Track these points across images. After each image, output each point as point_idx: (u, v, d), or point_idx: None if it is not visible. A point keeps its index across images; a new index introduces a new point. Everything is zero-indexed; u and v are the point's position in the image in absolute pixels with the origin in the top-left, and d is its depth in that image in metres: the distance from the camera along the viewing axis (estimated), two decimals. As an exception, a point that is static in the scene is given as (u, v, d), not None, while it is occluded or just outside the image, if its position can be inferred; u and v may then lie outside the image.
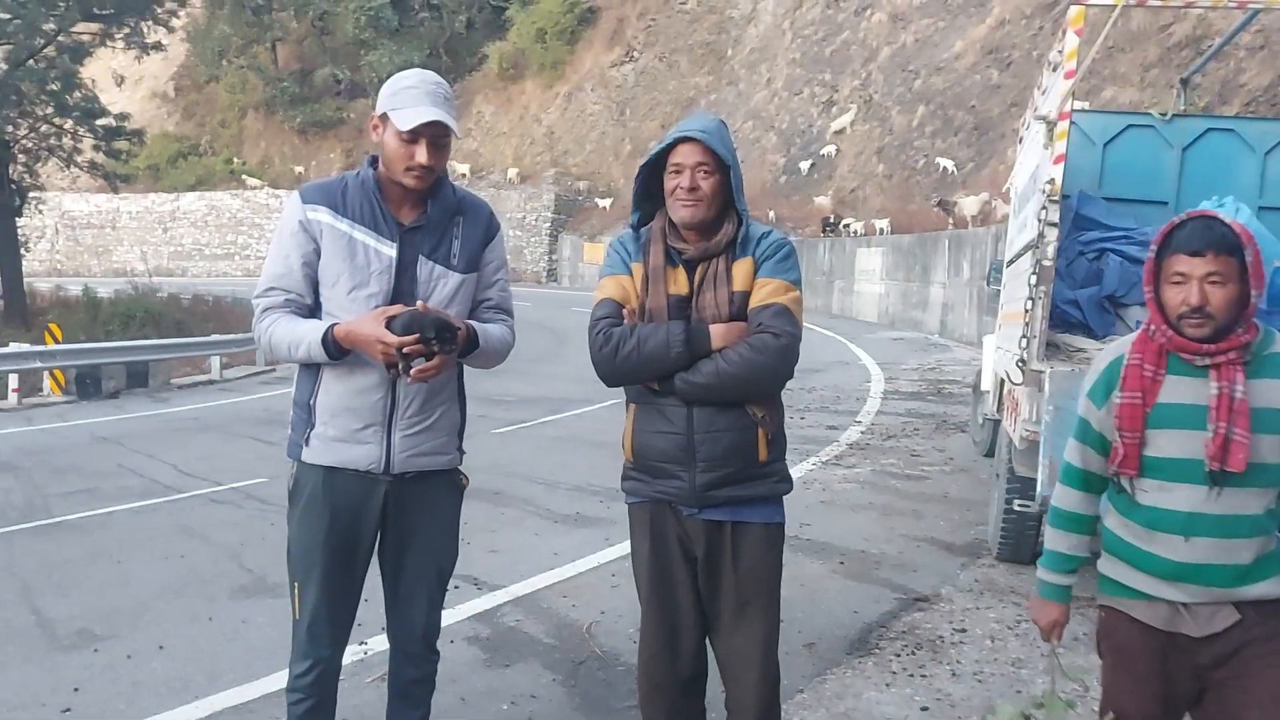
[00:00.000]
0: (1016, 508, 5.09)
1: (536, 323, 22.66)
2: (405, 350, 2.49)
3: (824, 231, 30.41)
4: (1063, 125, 4.83)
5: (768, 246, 2.67)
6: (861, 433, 10.20)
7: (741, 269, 2.64)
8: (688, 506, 2.67)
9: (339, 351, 2.59)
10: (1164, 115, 7.00)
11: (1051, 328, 5.37)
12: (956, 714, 3.86)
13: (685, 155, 2.61)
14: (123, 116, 25.40)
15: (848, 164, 33.25)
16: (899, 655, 4.43)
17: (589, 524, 6.65)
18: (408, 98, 2.58)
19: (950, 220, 23.41)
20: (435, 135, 2.60)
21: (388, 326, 2.50)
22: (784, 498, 2.76)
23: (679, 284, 2.66)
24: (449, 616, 4.77)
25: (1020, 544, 5.65)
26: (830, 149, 34.01)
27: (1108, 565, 2.41)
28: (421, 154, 2.58)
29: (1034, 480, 4.69)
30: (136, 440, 10.12)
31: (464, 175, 43.47)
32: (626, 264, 2.72)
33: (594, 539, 6.24)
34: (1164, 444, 2.26)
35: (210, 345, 16.53)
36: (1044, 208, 4.83)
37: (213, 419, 11.85)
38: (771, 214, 31.27)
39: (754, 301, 2.61)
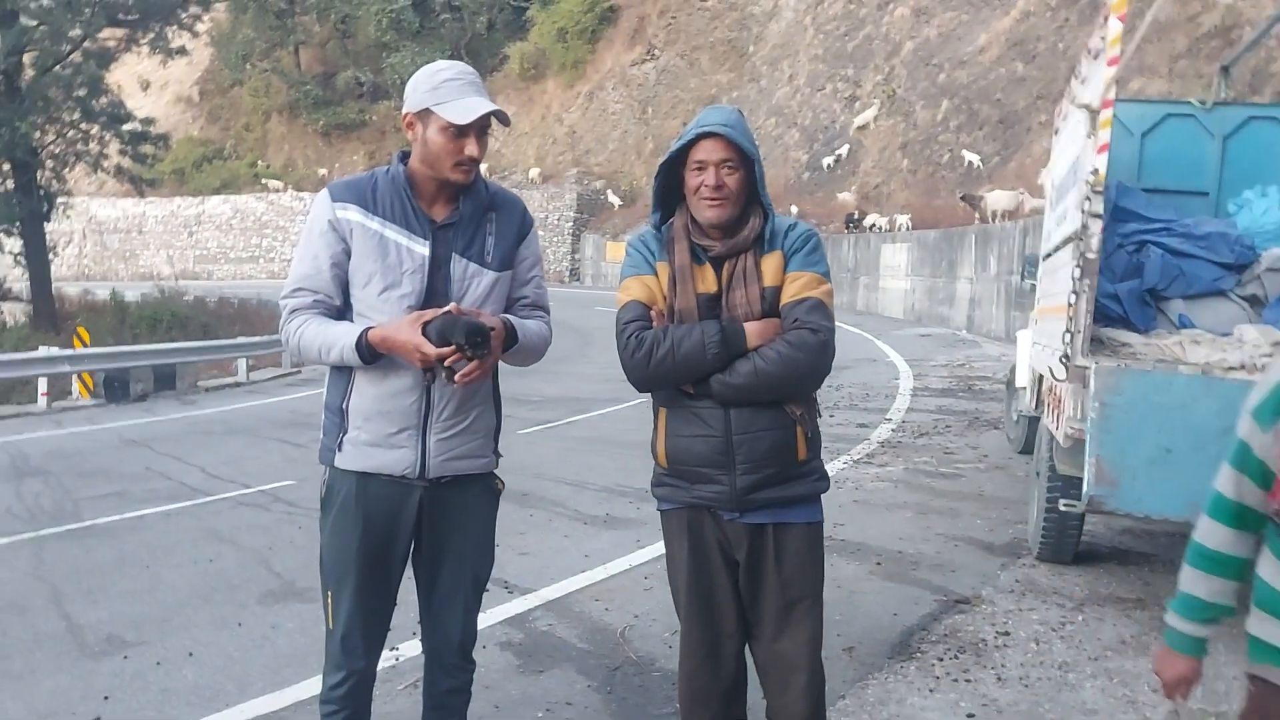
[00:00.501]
0: (1061, 507, 4.95)
1: (560, 322, 22.43)
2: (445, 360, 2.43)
3: (847, 228, 30.22)
4: (1106, 113, 4.70)
5: (795, 239, 2.58)
6: (893, 430, 10.07)
7: (770, 264, 2.55)
8: (728, 511, 2.58)
9: (373, 356, 2.51)
10: (1204, 104, 6.85)
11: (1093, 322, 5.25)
12: (1004, 721, 3.75)
13: (708, 151, 2.51)
14: (148, 121, 25.58)
15: (871, 159, 33.03)
16: (941, 659, 4.31)
17: (619, 525, 6.56)
18: (452, 90, 2.50)
19: (976, 215, 23.18)
20: (482, 126, 2.53)
21: (423, 332, 2.43)
22: (821, 495, 2.67)
23: (707, 282, 2.57)
24: (480, 621, 4.70)
25: (1061, 544, 5.52)
26: (853, 145, 33.79)
27: (1259, 624, 1.99)
28: (472, 147, 2.52)
29: (1078, 479, 4.56)
30: (164, 443, 10.13)
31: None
32: (650, 263, 2.63)
33: (625, 541, 6.15)
34: None
35: (237, 348, 16.56)
36: (1087, 199, 4.70)
37: (240, 421, 11.86)
38: (795, 210, 31.11)
39: (786, 296, 2.52)
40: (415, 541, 2.73)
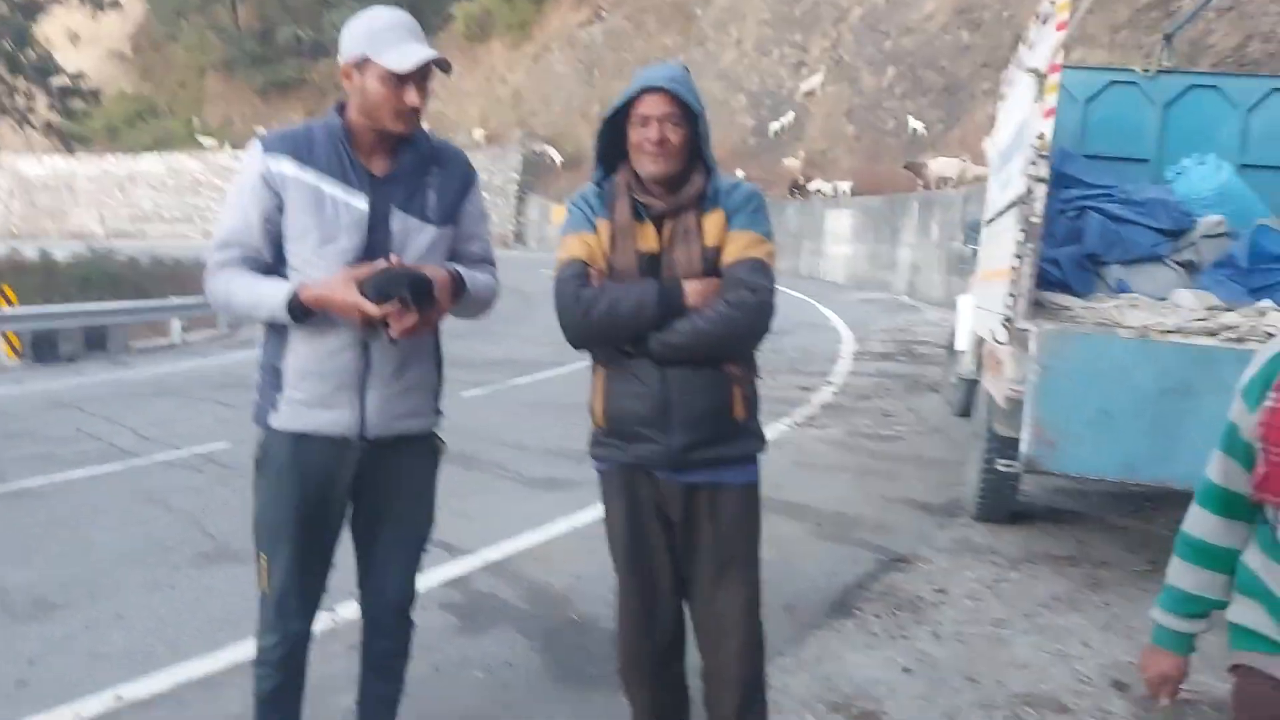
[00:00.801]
0: (999, 468, 5.02)
1: (504, 285, 22.32)
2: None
3: (792, 193, 30.30)
4: (1053, 78, 4.72)
5: (738, 198, 2.54)
6: (834, 393, 10.15)
7: (712, 222, 2.51)
8: (664, 470, 2.55)
9: (304, 315, 2.43)
10: (1147, 72, 6.92)
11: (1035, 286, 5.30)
12: (939, 675, 3.80)
13: (652, 106, 2.46)
14: (78, 76, 24.76)
15: (818, 125, 33.08)
16: (879, 617, 4.36)
17: (562, 487, 6.53)
18: (390, 37, 2.41)
19: (920, 182, 23.36)
20: (423, 75, 2.45)
21: (361, 290, 2.35)
22: (759, 456, 2.66)
23: (648, 240, 2.53)
24: (420, 583, 4.64)
25: (998, 503, 5.60)
26: (799, 110, 33.82)
27: (1240, 610, 1.88)
28: (412, 96, 2.43)
29: (1015, 440, 4.62)
30: (94, 404, 9.86)
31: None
32: (590, 220, 2.58)
33: (567, 502, 6.11)
34: None
35: (170, 308, 16.16)
36: (1033, 163, 4.73)
37: (173, 383, 11.59)
38: (740, 173, 31.09)
39: (728, 256, 2.49)
40: (354, 502, 2.67)
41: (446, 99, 48.20)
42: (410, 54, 2.40)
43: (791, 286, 23.18)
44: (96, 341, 14.61)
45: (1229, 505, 1.88)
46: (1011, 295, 4.74)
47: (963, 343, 7.81)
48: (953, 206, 19.80)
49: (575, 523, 5.70)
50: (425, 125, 2.56)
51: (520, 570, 4.95)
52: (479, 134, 45.68)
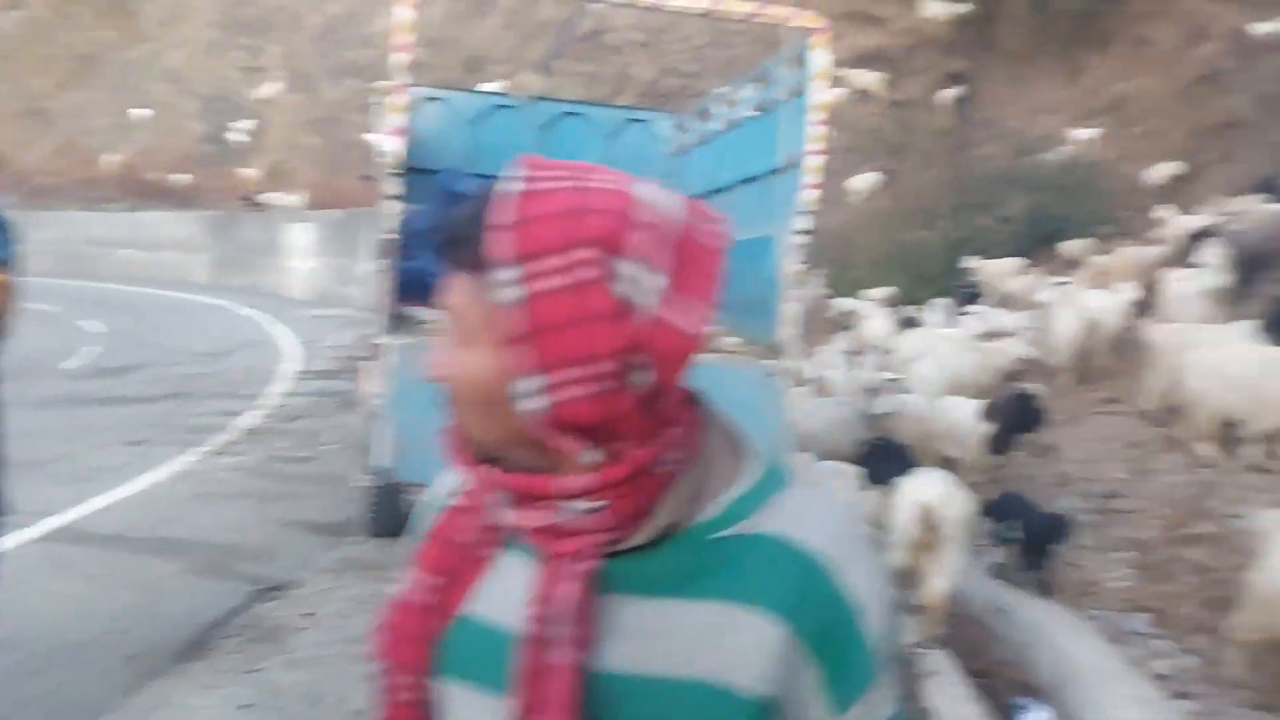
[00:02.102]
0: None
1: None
2: None
3: (247, 206, 28.99)
4: (396, 99, 4.84)
5: None
6: (264, 416, 9.69)
7: None
8: None
9: None
10: (527, 98, 7.45)
11: (426, 301, 5.41)
12: (281, 704, 3.69)
13: None
14: None
15: (278, 135, 31.96)
16: (234, 653, 4.15)
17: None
18: None
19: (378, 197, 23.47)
20: None
21: None
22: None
23: None
24: None
25: (386, 517, 5.60)
26: (259, 119, 32.46)
27: None
28: None
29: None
30: None
31: None
32: None
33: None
34: (461, 712, 0.95)
35: None
36: (383, 182, 4.81)
37: None
38: (186, 177, 29.13)
39: None
40: None
41: None
42: None
43: (247, 304, 22.18)
44: None
45: None
46: (374, 310, 4.78)
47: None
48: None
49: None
50: None
51: None
52: None
